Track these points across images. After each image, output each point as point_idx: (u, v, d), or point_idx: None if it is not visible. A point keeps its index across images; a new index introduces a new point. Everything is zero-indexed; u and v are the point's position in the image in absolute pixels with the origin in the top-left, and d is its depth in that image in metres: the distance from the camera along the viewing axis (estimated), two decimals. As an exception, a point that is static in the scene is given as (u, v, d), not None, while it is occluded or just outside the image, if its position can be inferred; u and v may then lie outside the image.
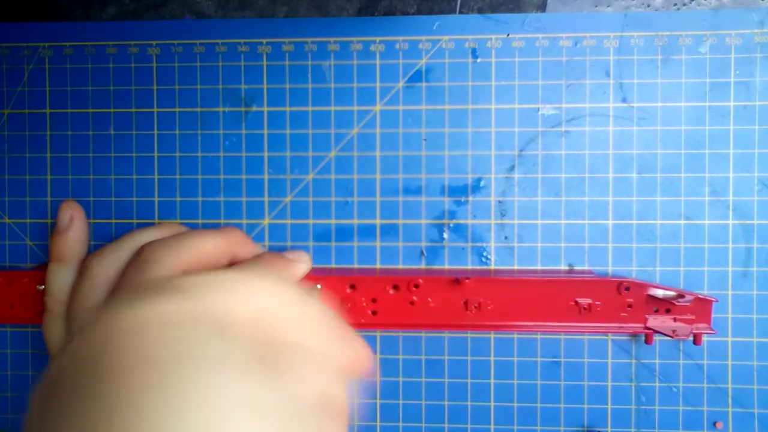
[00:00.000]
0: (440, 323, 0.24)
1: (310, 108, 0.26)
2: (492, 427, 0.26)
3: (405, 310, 0.24)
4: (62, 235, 0.24)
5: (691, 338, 0.24)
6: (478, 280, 0.24)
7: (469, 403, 0.26)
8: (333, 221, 0.26)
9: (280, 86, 0.26)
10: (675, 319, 0.24)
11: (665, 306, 0.24)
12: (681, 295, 0.24)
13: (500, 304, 0.24)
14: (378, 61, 0.26)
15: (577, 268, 0.26)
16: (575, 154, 0.26)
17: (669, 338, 0.24)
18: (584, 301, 0.24)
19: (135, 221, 0.27)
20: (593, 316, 0.24)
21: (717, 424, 0.25)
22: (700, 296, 0.24)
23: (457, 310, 0.24)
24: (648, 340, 0.24)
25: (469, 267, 0.26)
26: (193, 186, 0.26)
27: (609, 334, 0.25)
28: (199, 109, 0.26)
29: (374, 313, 0.24)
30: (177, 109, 0.26)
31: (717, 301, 0.24)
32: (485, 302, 0.24)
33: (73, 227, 0.24)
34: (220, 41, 0.26)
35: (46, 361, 0.23)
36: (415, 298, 0.24)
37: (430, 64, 0.26)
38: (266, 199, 0.26)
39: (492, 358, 0.26)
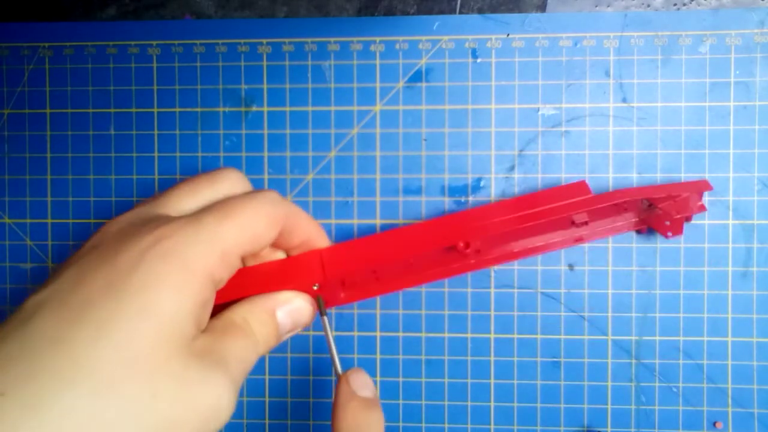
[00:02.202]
0: (441, 273, 0.23)
1: (310, 108, 0.26)
2: (492, 427, 0.26)
3: (405, 269, 0.23)
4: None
5: (690, 338, 0.24)
6: (472, 233, 0.22)
7: (469, 403, 0.26)
8: (333, 221, 0.26)
9: (280, 86, 0.26)
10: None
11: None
12: (675, 195, 0.23)
13: (498, 243, 0.24)
14: (378, 61, 0.26)
15: (577, 267, 0.26)
16: (575, 154, 0.26)
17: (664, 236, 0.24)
18: (580, 218, 0.23)
19: (135, 221, 0.26)
20: (590, 227, 0.24)
21: (717, 424, 0.25)
22: (693, 185, 0.24)
23: (457, 257, 0.23)
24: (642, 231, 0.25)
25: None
26: (193, 186, 0.26)
27: (609, 237, 0.25)
28: (199, 109, 0.26)
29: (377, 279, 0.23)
30: (177, 109, 0.26)
31: (712, 188, 0.24)
32: (484, 247, 0.23)
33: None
34: (220, 41, 0.26)
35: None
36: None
37: (430, 64, 0.26)
38: (266, 199, 0.26)
39: (492, 358, 0.26)
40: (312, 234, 0.21)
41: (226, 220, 0.17)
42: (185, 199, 0.19)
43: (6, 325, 0.15)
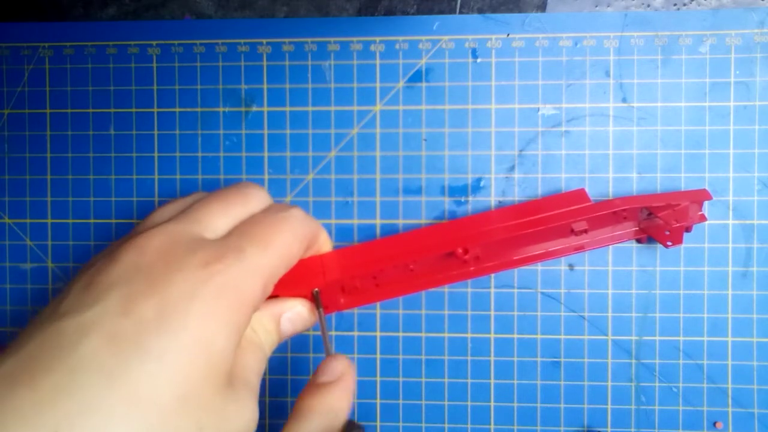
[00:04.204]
0: (441, 280, 0.24)
1: (310, 108, 0.26)
2: (492, 427, 0.26)
3: (405, 276, 0.23)
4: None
5: (690, 338, 0.24)
6: (473, 240, 0.23)
7: (469, 403, 0.26)
8: (333, 221, 0.26)
9: (280, 86, 0.26)
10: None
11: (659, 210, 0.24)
12: (675, 204, 0.23)
13: (497, 251, 0.24)
14: (378, 61, 0.26)
15: (577, 267, 0.26)
16: (575, 154, 0.26)
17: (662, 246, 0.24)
18: (579, 227, 0.23)
19: (135, 221, 0.27)
20: (590, 236, 0.24)
21: (717, 424, 0.25)
22: (693, 194, 0.24)
23: (456, 264, 0.23)
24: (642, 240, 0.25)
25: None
26: (193, 186, 0.26)
27: (609, 245, 0.25)
28: (199, 109, 0.26)
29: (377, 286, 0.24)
30: (177, 109, 0.26)
31: (712, 198, 0.24)
32: (484, 254, 0.23)
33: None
34: (220, 41, 0.26)
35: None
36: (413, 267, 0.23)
37: (430, 64, 0.26)
38: (266, 199, 0.26)
39: (492, 358, 0.26)
40: (323, 245, 0.22)
41: (268, 252, 0.18)
42: (218, 218, 0.19)
43: (45, 346, 0.14)
